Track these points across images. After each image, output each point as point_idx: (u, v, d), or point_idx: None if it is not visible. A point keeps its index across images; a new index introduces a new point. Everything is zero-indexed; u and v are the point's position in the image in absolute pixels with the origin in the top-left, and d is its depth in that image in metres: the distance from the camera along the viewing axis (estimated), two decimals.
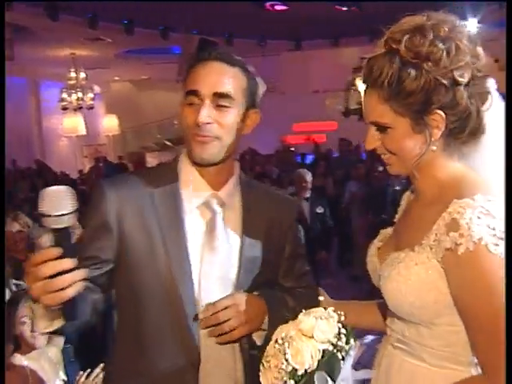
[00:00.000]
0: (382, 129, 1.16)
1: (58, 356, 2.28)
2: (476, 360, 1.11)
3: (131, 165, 15.78)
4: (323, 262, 6.15)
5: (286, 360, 1.04)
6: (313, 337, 1.06)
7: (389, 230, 1.39)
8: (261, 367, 1.14)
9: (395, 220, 1.41)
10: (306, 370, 1.04)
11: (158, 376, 1.39)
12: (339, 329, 1.09)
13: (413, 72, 1.09)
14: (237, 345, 1.41)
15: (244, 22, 10.98)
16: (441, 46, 1.09)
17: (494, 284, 1.04)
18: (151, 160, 16.92)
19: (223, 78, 1.38)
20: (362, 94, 1.19)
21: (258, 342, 1.39)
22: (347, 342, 1.08)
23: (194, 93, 1.36)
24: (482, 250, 1.03)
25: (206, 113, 1.34)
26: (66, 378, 2.31)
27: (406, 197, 1.40)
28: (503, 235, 1.04)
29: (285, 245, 1.56)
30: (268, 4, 9.99)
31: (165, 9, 9.40)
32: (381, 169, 6.59)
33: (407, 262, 1.13)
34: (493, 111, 1.18)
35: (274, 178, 7.91)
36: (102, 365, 2.10)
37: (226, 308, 1.33)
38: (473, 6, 10.07)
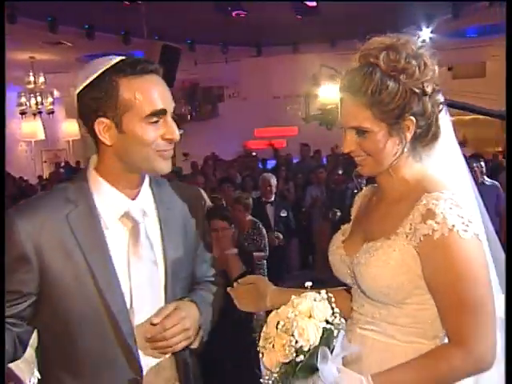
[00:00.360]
0: (362, 133, 1.32)
1: (32, 356, 2.33)
2: (440, 334, 1.30)
3: None
4: (285, 265, 6.30)
5: (294, 337, 1.15)
6: (312, 316, 1.18)
7: (347, 226, 1.56)
8: (261, 351, 1.23)
9: (352, 217, 1.58)
10: (309, 347, 1.16)
11: None
12: (333, 309, 1.21)
13: (391, 83, 1.28)
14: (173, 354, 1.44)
15: (206, 27, 11.07)
16: (413, 62, 1.29)
17: (464, 263, 1.23)
18: None
19: (169, 92, 1.40)
20: (340, 102, 1.35)
21: (195, 346, 1.44)
22: (340, 320, 1.22)
23: (163, 112, 1.35)
24: (454, 235, 1.23)
25: (177, 129, 1.37)
26: (39, 377, 2.36)
27: (362, 196, 1.59)
28: (469, 222, 1.24)
29: (199, 235, 1.60)
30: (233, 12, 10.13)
31: (126, 14, 9.41)
32: (340, 172, 6.81)
33: (385, 248, 1.30)
34: (443, 119, 1.40)
35: (238, 182, 8.03)
36: None
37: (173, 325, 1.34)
38: (426, 16, 10.45)
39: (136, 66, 1.33)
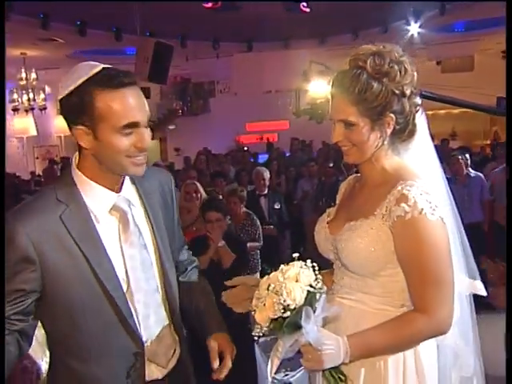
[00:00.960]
0: (349, 125, 1.53)
1: (44, 338, 2.48)
2: (406, 303, 1.51)
3: None
4: (278, 255, 6.45)
5: (282, 297, 1.35)
6: (298, 281, 1.37)
7: (333, 209, 1.78)
8: (254, 309, 1.42)
9: (337, 202, 1.81)
10: (295, 306, 1.35)
11: (110, 371, 1.53)
12: (316, 275, 1.40)
13: (376, 84, 1.50)
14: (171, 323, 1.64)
15: (197, 23, 11.13)
16: (396, 67, 1.51)
17: (430, 240, 1.44)
18: None
19: (144, 103, 1.51)
20: (331, 98, 1.57)
21: None
22: (322, 285, 1.41)
23: (136, 124, 1.46)
24: (423, 217, 1.44)
25: (149, 137, 1.50)
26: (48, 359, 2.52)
27: (346, 184, 1.82)
28: (436, 207, 1.46)
29: (173, 215, 1.75)
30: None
31: (118, 10, 9.46)
32: (331, 165, 6.96)
33: (364, 227, 1.51)
34: (420, 119, 1.63)
35: (231, 176, 8.16)
36: None
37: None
38: (414, 12, 10.60)
39: (113, 79, 1.41)
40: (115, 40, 10.99)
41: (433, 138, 1.81)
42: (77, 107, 1.41)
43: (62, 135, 16.97)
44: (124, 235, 1.54)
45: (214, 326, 1.71)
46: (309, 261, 1.46)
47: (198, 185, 4.62)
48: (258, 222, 5.21)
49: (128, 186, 1.61)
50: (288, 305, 1.34)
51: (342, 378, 1.44)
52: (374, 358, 1.49)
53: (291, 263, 1.44)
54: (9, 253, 1.40)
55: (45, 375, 2.37)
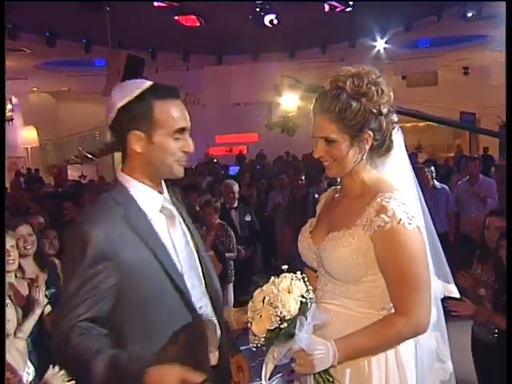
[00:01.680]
0: (329, 142, 1.64)
1: (24, 347, 2.48)
2: (386, 306, 1.62)
3: (52, 177, 15.45)
4: (250, 267, 6.50)
5: (279, 309, 1.43)
6: (291, 292, 1.45)
7: (313, 220, 1.88)
8: (250, 321, 1.50)
9: (317, 213, 1.90)
10: (290, 316, 1.44)
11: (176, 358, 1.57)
12: (307, 286, 1.49)
13: (355, 104, 1.61)
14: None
15: (167, 36, 11.17)
16: (373, 88, 1.62)
17: (408, 248, 1.55)
18: (73, 173, 16.62)
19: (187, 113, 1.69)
20: (313, 116, 1.68)
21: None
22: (312, 295, 1.50)
23: (185, 129, 1.65)
24: (401, 226, 1.55)
25: (192, 144, 1.67)
26: (32, 368, 2.52)
27: (326, 196, 1.92)
28: (413, 217, 1.57)
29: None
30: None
31: (87, 21, 9.43)
32: (303, 178, 7.06)
33: (347, 236, 1.61)
34: (396, 136, 1.75)
35: (203, 188, 8.17)
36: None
37: None
38: (380, 28, 10.88)
39: (170, 91, 1.63)
40: (84, 51, 10.90)
41: None
42: (135, 115, 1.58)
43: (29, 147, 16.70)
44: (172, 229, 1.70)
45: (231, 345, 1.87)
46: (298, 272, 1.55)
47: None
48: (232, 233, 5.24)
49: (165, 189, 1.76)
50: (284, 316, 1.42)
51: (330, 379, 1.54)
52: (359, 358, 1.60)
53: (282, 275, 1.52)
54: (84, 256, 1.51)
55: None
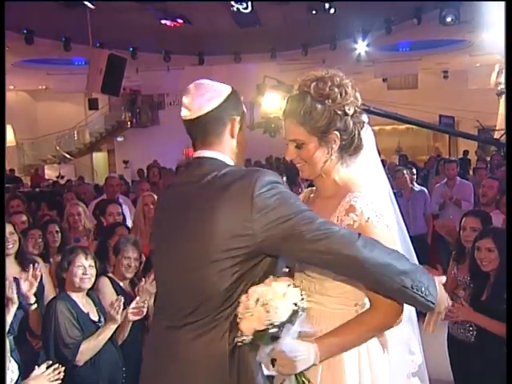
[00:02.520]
0: (299, 144, 1.69)
1: (9, 345, 2.45)
2: (359, 302, 1.67)
3: (28, 177, 15.25)
4: None
5: (270, 314, 1.44)
6: (285, 298, 1.47)
7: None
8: (240, 316, 1.50)
9: None
10: (279, 322, 1.46)
11: None
12: (302, 295, 1.51)
13: (319, 106, 1.65)
14: None
15: (148, 35, 11.12)
16: (336, 90, 1.66)
17: (381, 241, 1.56)
18: (49, 173, 16.44)
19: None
20: (283, 120, 1.73)
21: None
22: (305, 305, 1.52)
23: None
24: (369, 224, 1.60)
25: None
26: (16, 365, 2.51)
27: (302, 196, 1.94)
28: (381, 215, 1.62)
29: None
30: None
31: (67, 19, 9.33)
32: (284, 179, 7.07)
33: None
34: (366, 135, 1.78)
35: None
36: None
37: None
38: (361, 30, 10.99)
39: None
40: (64, 50, 10.78)
41: (379, 153, 1.96)
42: (236, 103, 1.71)
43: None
44: None
45: None
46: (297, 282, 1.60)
47: (155, 196, 4.59)
48: None
49: None
50: (274, 322, 1.45)
51: (306, 382, 1.58)
52: None
53: (280, 278, 1.55)
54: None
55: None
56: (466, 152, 12.98)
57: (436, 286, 1.61)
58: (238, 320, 1.50)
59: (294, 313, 1.47)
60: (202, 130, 1.68)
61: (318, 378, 1.64)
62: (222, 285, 1.53)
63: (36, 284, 2.90)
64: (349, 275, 1.59)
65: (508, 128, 2.20)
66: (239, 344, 1.50)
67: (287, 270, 1.57)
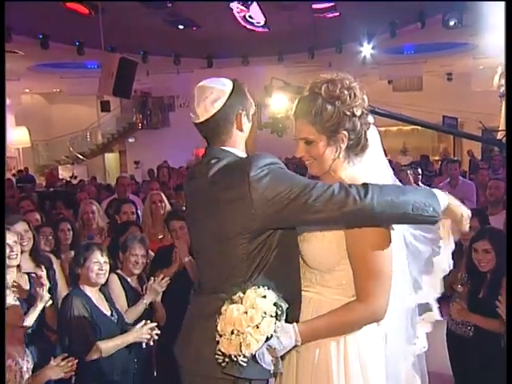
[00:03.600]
0: (309, 142, 1.78)
1: (23, 338, 2.68)
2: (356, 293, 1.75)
3: (43, 178, 15.54)
4: None
5: (242, 350, 1.53)
6: (259, 327, 1.53)
7: None
8: (220, 334, 1.57)
9: None
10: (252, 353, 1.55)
11: None
12: (275, 323, 1.56)
13: (330, 107, 1.74)
14: None
15: (159, 39, 11.32)
16: (346, 92, 1.75)
17: (378, 240, 1.69)
18: (64, 173, 16.72)
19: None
20: (294, 120, 1.83)
21: None
22: (279, 333, 1.58)
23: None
24: None
25: None
26: (31, 356, 2.71)
27: None
28: None
29: None
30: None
31: (80, 24, 9.56)
32: None
33: (321, 230, 1.74)
34: (372, 135, 1.87)
35: None
36: None
37: None
38: (367, 34, 11.12)
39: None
40: (77, 54, 11.03)
41: (385, 153, 2.05)
42: (240, 98, 1.80)
43: (21, 147, 16.78)
44: None
45: None
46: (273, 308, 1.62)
47: (163, 195, 4.69)
48: None
49: None
50: (247, 353, 1.53)
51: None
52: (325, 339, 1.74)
53: (257, 304, 1.55)
54: None
55: (27, 375, 2.57)
56: (469, 152, 13.07)
57: (439, 200, 1.63)
58: (217, 338, 1.57)
59: (269, 338, 1.54)
60: (211, 130, 1.78)
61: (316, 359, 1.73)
62: (240, 257, 1.66)
63: (47, 284, 2.92)
64: (355, 225, 1.67)
65: (508, 128, 2.28)
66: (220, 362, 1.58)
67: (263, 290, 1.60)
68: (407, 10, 9.48)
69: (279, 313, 1.56)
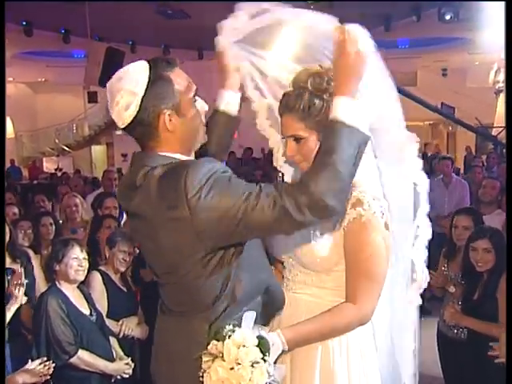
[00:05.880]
0: (298, 140, 1.67)
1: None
2: None
3: (26, 170, 15.25)
4: None
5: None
6: (241, 363, 1.38)
7: None
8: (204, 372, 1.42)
9: None
10: None
11: None
12: (267, 369, 1.41)
13: (317, 101, 1.63)
14: None
15: (148, 29, 11.11)
16: (333, 83, 1.59)
17: (374, 241, 1.62)
18: (48, 165, 16.45)
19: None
20: (280, 118, 1.70)
21: None
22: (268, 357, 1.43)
23: (196, 92, 1.60)
24: (375, 218, 1.62)
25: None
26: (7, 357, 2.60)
27: None
28: (385, 211, 1.64)
29: None
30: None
31: (66, 11, 9.33)
32: (280, 174, 7.08)
33: (320, 229, 1.67)
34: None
35: None
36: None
37: None
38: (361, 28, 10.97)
39: (172, 61, 1.56)
40: (63, 42, 10.78)
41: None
42: (160, 94, 1.49)
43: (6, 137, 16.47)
44: None
45: None
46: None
47: None
48: None
49: None
50: None
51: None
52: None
53: (241, 357, 1.39)
54: None
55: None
56: (467, 148, 13.00)
57: (355, 130, 1.44)
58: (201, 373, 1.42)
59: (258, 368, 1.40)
60: (135, 135, 1.55)
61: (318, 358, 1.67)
62: (198, 280, 1.49)
63: (24, 284, 2.82)
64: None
65: (508, 127, 2.18)
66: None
67: (231, 327, 1.45)
68: (402, 4, 9.35)
69: (265, 348, 1.41)
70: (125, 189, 1.58)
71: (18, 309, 2.76)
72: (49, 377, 2.49)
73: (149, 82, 1.48)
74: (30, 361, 2.48)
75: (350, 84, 1.46)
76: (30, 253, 3.53)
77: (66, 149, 17.89)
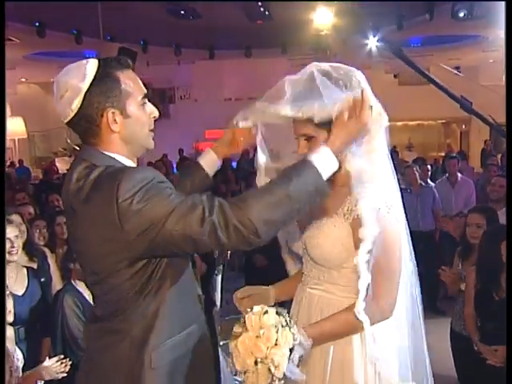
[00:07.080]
0: (309, 138, 1.68)
1: (13, 335, 2.50)
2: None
3: (40, 170, 15.32)
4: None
5: (273, 372, 1.40)
6: (278, 344, 1.41)
7: None
8: (243, 375, 1.44)
9: None
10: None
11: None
12: (293, 334, 1.44)
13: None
14: None
15: (159, 29, 11.13)
16: (341, 82, 1.62)
17: (384, 235, 1.59)
18: (60, 165, 16.51)
19: None
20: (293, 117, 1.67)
21: None
22: (299, 339, 1.46)
23: (147, 95, 1.59)
24: (379, 214, 1.60)
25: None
26: (21, 355, 2.57)
27: None
28: (391, 206, 1.62)
29: None
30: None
31: (79, 12, 9.36)
32: None
33: (329, 224, 1.68)
34: (376, 127, 1.71)
35: None
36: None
37: None
38: (373, 26, 10.92)
39: (124, 61, 1.55)
40: (75, 42, 10.82)
41: (396, 150, 1.89)
42: (105, 92, 1.48)
43: (16, 138, 16.57)
44: None
45: None
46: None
47: None
48: None
49: None
50: (279, 375, 1.41)
51: None
52: None
53: (264, 321, 1.44)
54: None
55: (16, 374, 2.46)
56: (486, 142, 12.84)
57: (317, 171, 1.48)
58: (240, 378, 1.46)
59: (292, 353, 1.43)
60: (78, 131, 1.52)
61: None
62: (126, 286, 1.47)
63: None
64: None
65: (508, 127, 2.14)
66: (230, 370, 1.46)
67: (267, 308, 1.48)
68: (415, 2, 9.26)
69: (287, 319, 1.46)
70: (66, 182, 1.55)
71: (36, 307, 2.79)
72: (65, 374, 2.49)
73: (95, 79, 1.47)
74: (47, 358, 2.49)
75: (343, 144, 1.55)
76: (47, 251, 3.56)
77: (78, 149, 17.93)
